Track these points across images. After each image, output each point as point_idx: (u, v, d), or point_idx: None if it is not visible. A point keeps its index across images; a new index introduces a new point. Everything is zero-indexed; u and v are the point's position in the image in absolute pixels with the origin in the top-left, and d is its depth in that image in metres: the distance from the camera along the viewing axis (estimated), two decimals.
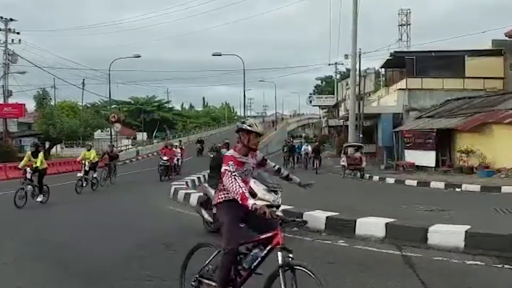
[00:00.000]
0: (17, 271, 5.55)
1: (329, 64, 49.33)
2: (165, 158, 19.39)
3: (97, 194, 14.85)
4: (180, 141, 30.03)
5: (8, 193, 14.86)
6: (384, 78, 37.37)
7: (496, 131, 17.87)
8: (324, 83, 69.86)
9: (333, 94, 53.21)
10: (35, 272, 5.47)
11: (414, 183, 16.36)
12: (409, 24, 49.02)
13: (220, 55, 33.99)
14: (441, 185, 15.33)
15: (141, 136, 57.47)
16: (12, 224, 8.92)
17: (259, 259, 3.66)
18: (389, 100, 30.59)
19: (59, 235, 7.79)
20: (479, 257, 5.74)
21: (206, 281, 3.98)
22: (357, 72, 28.26)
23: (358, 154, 21.39)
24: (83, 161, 15.04)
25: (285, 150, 29.09)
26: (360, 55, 27.64)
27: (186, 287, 4.17)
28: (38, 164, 11.79)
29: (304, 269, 3.41)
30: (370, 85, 34.62)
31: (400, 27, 49.06)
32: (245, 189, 3.49)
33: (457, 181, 15.71)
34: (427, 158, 20.79)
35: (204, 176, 19.02)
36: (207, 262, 4.01)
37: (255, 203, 3.38)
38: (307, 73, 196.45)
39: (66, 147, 41.00)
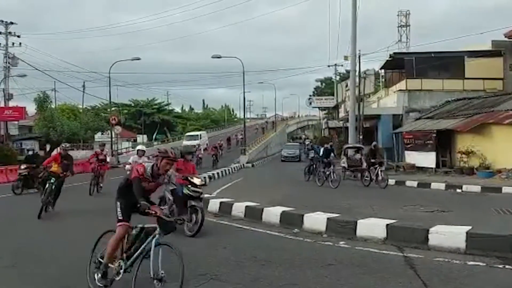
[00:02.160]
0: (17, 274, 5.56)
1: (329, 66, 49.32)
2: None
3: None
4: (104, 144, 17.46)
5: (10, 195, 14.90)
6: (383, 80, 37.44)
7: (496, 132, 17.88)
8: (323, 84, 69.89)
9: (333, 95, 53.26)
10: (35, 275, 5.49)
11: (414, 184, 16.35)
12: (409, 26, 49.22)
13: (219, 57, 34.02)
14: (441, 186, 15.32)
15: (141, 138, 57.49)
16: (11, 228, 8.92)
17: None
18: (388, 101, 30.63)
19: (57, 238, 7.80)
20: (480, 258, 5.76)
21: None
22: (357, 74, 28.30)
23: (358, 156, 21.37)
24: None
25: (309, 155, 20.54)
26: (359, 56, 27.68)
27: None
28: None
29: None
30: (370, 87, 34.69)
31: (399, 28, 49.24)
32: None
33: (457, 182, 15.71)
34: (427, 159, 20.79)
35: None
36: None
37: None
38: (307, 75, 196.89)
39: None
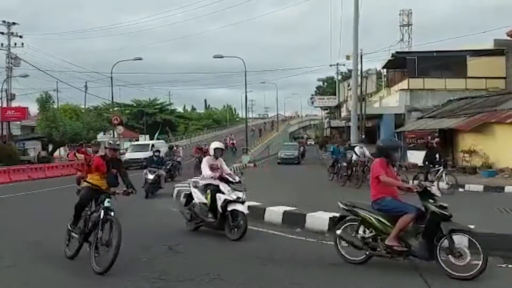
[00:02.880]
0: (20, 274, 5.57)
1: (331, 65, 49.30)
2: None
3: None
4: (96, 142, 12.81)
5: (13, 195, 14.96)
6: (385, 79, 37.38)
7: (498, 131, 17.84)
8: (325, 84, 69.88)
9: (335, 95, 53.23)
10: (39, 275, 5.50)
11: (417, 183, 16.24)
12: (411, 25, 49.12)
13: (221, 57, 34.03)
14: (444, 185, 15.25)
15: (144, 138, 57.50)
16: (13, 227, 8.95)
17: None
18: (391, 101, 30.59)
19: (63, 237, 7.81)
20: None
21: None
22: (359, 73, 28.27)
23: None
24: None
25: (347, 156, 17.25)
26: (361, 56, 27.64)
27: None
28: None
29: None
30: (372, 86, 34.63)
31: (401, 27, 49.16)
32: None
33: (460, 181, 15.65)
34: None
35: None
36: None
37: None
38: (309, 74, 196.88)
39: (69, 150, 41.13)
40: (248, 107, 52.05)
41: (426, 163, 13.85)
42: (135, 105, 68.10)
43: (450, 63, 26.65)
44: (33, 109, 40.24)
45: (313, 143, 64.00)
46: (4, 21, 34.08)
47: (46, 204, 12.95)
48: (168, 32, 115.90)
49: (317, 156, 42.20)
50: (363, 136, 26.90)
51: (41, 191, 16.39)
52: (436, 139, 15.28)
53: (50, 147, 38.09)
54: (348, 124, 31.69)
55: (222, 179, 7.70)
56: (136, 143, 34.95)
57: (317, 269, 5.53)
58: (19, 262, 6.09)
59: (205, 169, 7.83)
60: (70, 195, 13.72)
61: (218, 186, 7.60)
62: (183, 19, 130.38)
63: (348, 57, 31.87)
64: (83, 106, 47.55)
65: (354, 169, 16.20)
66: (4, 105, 33.63)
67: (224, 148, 8.48)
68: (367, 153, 16.52)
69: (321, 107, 60.22)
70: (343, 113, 41.56)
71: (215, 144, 8.37)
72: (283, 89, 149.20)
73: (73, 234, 6.14)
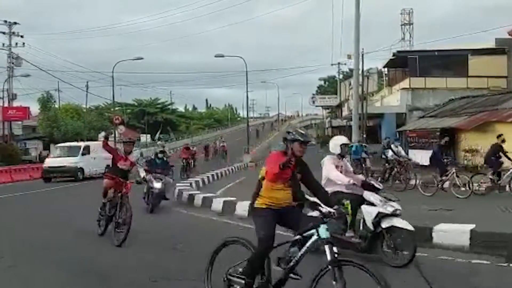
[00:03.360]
0: (21, 274, 5.57)
1: (332, 64, 49.25)
2: None
3: None
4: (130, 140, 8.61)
5: (14, 195, 14.98)
6: (386, 78, 37.36)
7: (499, 130, 17.77)
8: (327, 83, 69.85)
9: (336, 94, 53.19)
10: (39, 275, 5.49)
11: (418, 182, 16.27)
12: (412, 24, 48.99)
13: (222, 56, 34.04)
14: (445, 184, 15.21)
15: (145, 138, 57.55)
16: (14, 227, 8.95)
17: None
18: (392, 100, 30.57)
19: (64, 237, 7.82)
20: (484, 256, 5.74)
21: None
22: (360, 72, 28.23)
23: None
24: None
25: (387, 156, 15.51)
26: (363, 55, 27.60)
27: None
28: None
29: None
30: (373, 85, 34.62)
31: (402, 26, 49.06)
32: None
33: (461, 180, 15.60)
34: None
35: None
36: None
37: None
38: (310, 74, 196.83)
39: None
40: (249, 106, 52.01)
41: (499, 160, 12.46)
42: (136, 104, 68.19)
43: (452, 62, 26.61)
44: (35, 109, 40.38)
45: (314, 142, 63.87)
46: (5, 21, 34.12)
47: (47, 204, 12.95)
48: (168, 32, 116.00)
49: (318, 156, 42.13)
50: (364, 136, 26.92)
51: (42, 191, 16.42)
52: (502, 138, 12.95)
53: (52, 147, 38.13)
54: (349, 123, 31.67)
55: (364, 185, 5.86)
56: (61, 144, 24.97)
57: (317, 269, 5.51)
58: (19, 262, 6.10)
59: (335, 172, 5.91)
60: (71, 195, 13.76)
61: (359, 195, 5.82)
62: (182, 19, 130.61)
63: (349, 56, 31.88)
64: (84, 106, 47.62)
65: (395, 169, 14.88)
66: (6, 105, 33.69)
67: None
68: (403, 152, 15.42)
69: (322, 107, 60.18)
70: (344, 112, 41.55)
71: (341, 139, 6.41)
72: (283, 88, 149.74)
73: (235, 279, 4.03)
